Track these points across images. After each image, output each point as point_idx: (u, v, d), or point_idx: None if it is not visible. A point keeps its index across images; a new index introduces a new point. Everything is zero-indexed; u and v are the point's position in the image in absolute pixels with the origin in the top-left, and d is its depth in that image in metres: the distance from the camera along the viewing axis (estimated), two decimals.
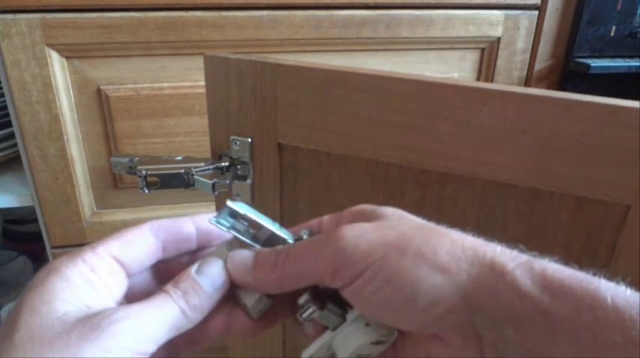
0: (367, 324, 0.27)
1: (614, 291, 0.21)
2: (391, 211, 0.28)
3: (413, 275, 0.24)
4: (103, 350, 0.22)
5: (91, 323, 0.23)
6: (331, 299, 0.28)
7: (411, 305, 0.24)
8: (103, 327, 0.23)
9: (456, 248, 0.24)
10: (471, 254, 0.24)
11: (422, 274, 0.24)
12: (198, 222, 0.30)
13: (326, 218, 0.31)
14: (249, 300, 0.28)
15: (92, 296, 0.24)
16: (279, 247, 0.28)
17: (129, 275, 0.27)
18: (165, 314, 0.25)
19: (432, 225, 0.27)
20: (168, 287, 0.27)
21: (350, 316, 0.27)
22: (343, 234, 0.26)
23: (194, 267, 0.28)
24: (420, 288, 0.24)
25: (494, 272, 0.23)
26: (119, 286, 0.26)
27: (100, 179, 0.74)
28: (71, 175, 0.71)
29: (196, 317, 0.26)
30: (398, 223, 0.27)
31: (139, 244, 0.28)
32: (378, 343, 0.27)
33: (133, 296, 0.27)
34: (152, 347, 0.24)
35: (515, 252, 0.24)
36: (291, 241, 0.29)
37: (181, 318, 0.26)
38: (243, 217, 0.29)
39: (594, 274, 0.23)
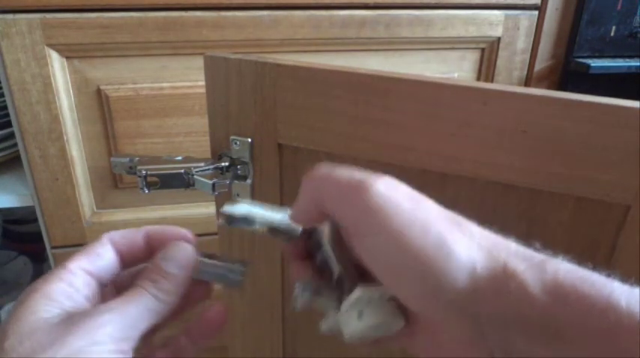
0: (361, 315, 0.27)
1: (628, 295, 0.21)
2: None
3: (428, 255, 0.24)
4: (89, 341, 0.24)
5: (73, 320, 0.25)
6: (330, 284, 0.29)
7: (421, 285, 0.24)
8: (85, 321, 0.25)
9: (474, 242, 0.24)
10: (486, 252, 0.24)
11: (438, 258, 0.23)
12: (150, 230, 0.32)
13: None
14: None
15: (73, 306, 0.26)
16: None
17: (101, 284, 0.29)
18: (141, 303, 0.27)
19: (452, 214, 0.27)
20: (139, 279, 0.29)
21: (344, 306, 0.28)
22: (377, 187, 0.26)
23: (159, 255, 0.30)
24: (431, 270, 0.23)
25: (507, 273, 0.23)
26: (95, 295, 0.29)
27: (100, 179, 0.74)
28: (71, 175, 0.71)
29: (171, 299, 0.29)
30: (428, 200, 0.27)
31: (105, 255, 0.30)
32: (379, 326, 0.28)
33: None
34: (136, 334, 0.26)
35: (529, 252, 0.24)
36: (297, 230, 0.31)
37: (157, 303, 0.28)
38: (244, 220, 0.30)
39: (608, 275, 0.22)
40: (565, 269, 0.22)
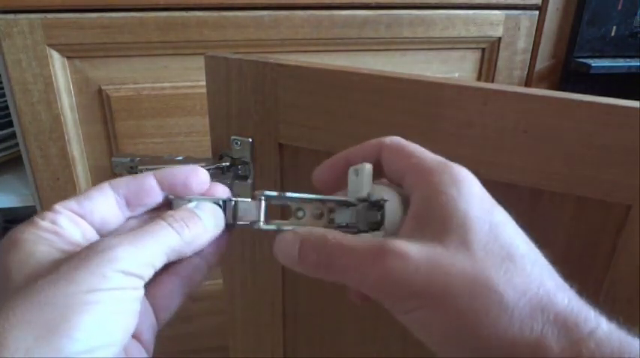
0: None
1: None
2: (478, 215, 0.24)
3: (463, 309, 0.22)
4: (99, 276, 0.21)
5: (79, 255, 0.22)
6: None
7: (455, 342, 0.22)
8: (92, 256, 0.22)
9: (517, 301, 0.21)
10: (526, 318, 0.21)
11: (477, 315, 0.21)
12: (160, 174, 0.29)
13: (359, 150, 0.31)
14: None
15: (64, 241, 0.24)
16: (323, 239, 0.26)
17: (96, 229, 0.27)
18: (161, 238, 0.25)
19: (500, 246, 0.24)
20: (164, 214, 0.26)
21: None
22: (391, 259, 0.23)
23: (190, 204, 0.28)
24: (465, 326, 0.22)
25: (539, 349, 0.21)
26: (87, 233, 0.26)
27: (101, 179, 0.74)
28: (72, 175, 0.71)
29: (196, 242, 0.26)
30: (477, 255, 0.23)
31: (98, 199, 0.27)
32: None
33: None
34: (149, 271, 0.24)
35: (572, 320, 0.21)
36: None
37: (178, 240, 0.25)
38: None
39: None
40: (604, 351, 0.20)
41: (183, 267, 0.28)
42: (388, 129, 0.42)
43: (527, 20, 0.77)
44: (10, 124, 0.71)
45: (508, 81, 0.80)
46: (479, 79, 0.81)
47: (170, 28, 0.67)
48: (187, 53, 0.69)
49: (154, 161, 0.49)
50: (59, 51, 0.66)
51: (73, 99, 0.69)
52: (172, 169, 0.29)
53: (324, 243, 0.25)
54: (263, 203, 0.30)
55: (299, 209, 0.30)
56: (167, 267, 0.27)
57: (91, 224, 0.26)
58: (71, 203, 0.26)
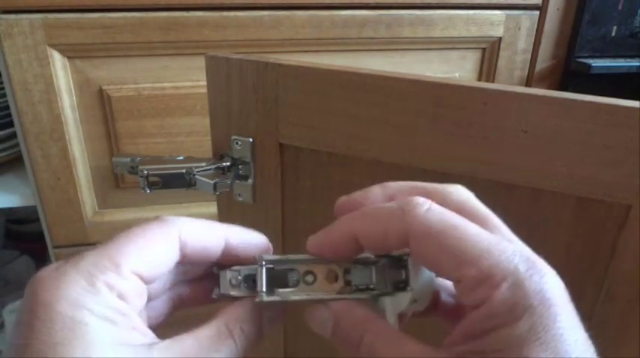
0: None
1: None
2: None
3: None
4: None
5: None
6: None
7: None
8: None
9: None
10: None
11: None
12: (232, 237, 0.27)
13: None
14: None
15: (127, 330, 0.22)
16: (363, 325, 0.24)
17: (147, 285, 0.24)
18: (226, 353, 0.24)
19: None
20: (228, 318, 0.25)
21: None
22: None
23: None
24: None
25: None
26: (142, 305, 0.24)
27: (102, 179, 0.74)
28: (73, 175, 0.72)
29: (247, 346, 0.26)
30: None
31: (164, 255, 0.24)
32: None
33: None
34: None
35: None
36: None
37: (235, 353, 0.25)
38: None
39: None
40: None
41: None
42: (388, 129, 0.42)
43: (527, 20, 0.77)
44: (11, 124, 0.72)
45: (508, 81, 0.80)
46: (479, 78, 0.81)
47: (171, 28, 0.67)
48: (188, 53, 0.69)
49: (155, 161, 0.49)
50: (60, 51, 0.66)
51: (74, 99, 0.69)
52: (247, 237, 0.27)
53: (365, 328, 0.24)
54: (264, 270, 0.25)
55: (308, 273, 0.26)
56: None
57: (147, 282, 0.24)
58: (139, 263, 0.23)
